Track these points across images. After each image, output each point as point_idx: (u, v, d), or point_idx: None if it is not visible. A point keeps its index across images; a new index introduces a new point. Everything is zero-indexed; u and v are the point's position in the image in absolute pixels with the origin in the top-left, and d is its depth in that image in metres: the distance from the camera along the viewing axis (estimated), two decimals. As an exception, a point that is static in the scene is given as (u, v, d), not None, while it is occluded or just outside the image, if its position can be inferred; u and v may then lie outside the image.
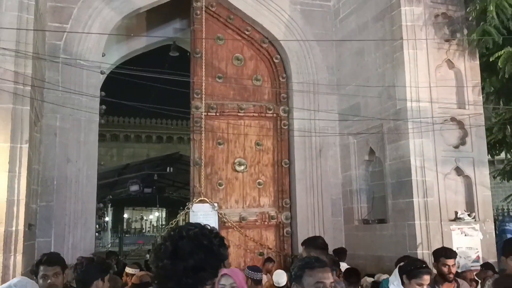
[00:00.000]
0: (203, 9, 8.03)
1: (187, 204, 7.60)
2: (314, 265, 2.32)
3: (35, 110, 5.80)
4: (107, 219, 32.07)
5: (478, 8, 6.81)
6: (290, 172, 8.30)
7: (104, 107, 7.60)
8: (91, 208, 6.99)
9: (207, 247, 1.52)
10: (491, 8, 6.56)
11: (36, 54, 5.55)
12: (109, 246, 20.77)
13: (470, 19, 7.16)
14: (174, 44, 10.01)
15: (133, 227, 42.42)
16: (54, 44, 6.97)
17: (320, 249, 3.34)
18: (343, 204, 8.25)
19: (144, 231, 40.89)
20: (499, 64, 6.76)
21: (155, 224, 41.29)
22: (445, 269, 4.22)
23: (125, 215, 38.96)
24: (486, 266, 6.00)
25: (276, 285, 4.69)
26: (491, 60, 6.75)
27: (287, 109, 8.42)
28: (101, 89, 7.83)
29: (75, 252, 6.37)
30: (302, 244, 3.60)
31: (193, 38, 8.09)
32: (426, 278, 3.40)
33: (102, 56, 7.56)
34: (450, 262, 4.27)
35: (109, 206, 25.52)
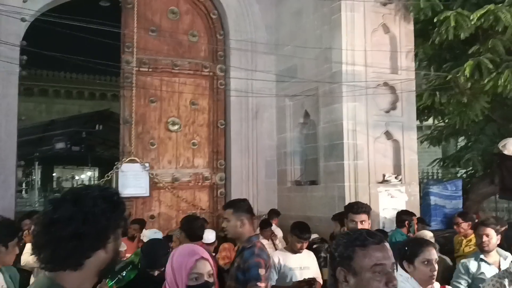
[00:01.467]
0: (136, -45, 7.50)
1: (116, 163, 7.30)
2: (367, 242, 1.65)
3: None
4: (34, 177, 30.66)
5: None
6: (226, 133, 8.18)
7: (25, 57, 7.02)
8: (11, 166, 6.54)
9: (90, 213, 1.35)
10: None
11: None
12: (36, 206, 19.90)
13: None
14: (105, -6, 9.38)
15: (64, 186, 40.99)
16: (-34, -15, 6.27)
17: (250, 213, 3.25)
18: (277, 166, 8.28)
19: (76, 190, 39.60)
20: (441, 27, 6.75)
21: (87, 184, 40.10)
22: (353, 226, 3.54)
23: (55, 174, 37.40)
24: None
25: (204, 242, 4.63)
26: (435, 20, 6.79)
27: (224, 68, 8.20)
28: (24, 39, 7.20)
29: (-8, 212, 5.94)
30: (228, 207, 3.34)
31: (125, -13, 7.58)
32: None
33: (23, 1, 6.91)
34: (357, 218, 3.57)
35: (37, 164, 24.26)
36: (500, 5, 6.22)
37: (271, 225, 6.44)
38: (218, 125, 8.13)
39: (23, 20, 6.83)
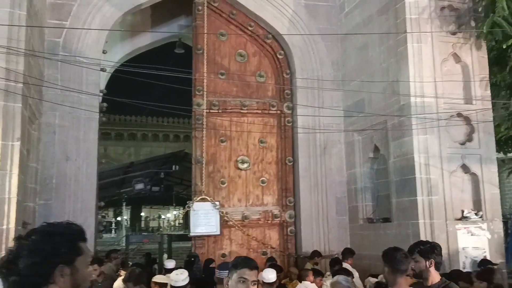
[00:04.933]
0: (205, 4, 7.93)
1: (187, 202, 7.52)
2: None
3: (31, 107, 5.78)
4: (125, 217, 32.33)
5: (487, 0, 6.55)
6: (294, 170, 8.16)
7: (105, 104, 7.58)
8: (91, 207, 6.96)
9: (29, 250, 1.43)
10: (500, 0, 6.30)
11: (30, 51, 5.52)
12: (123, 244, 20.90)
13: (478, 10, 6.90)
14: (179, 41, 9.95)
15: (150, 225, 42.74)
16: (53, 42, 6.97)
17: None
18: (348, 202, 8.07)
19: (161, 229, 41.17)
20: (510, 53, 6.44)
21: (172, 223, 41.51)
22: None
23: (143, 214, 39.20)
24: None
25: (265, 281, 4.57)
26: (504, 46, 6.45)
27: (291, 105, 8.27)
28: (106, 88, 7.76)
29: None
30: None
31: (195, 33, 8.01)
32: None
33: (103, 53, 7.53)
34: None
35: (124, 204, 25.63)
36: None
37: (341, 264, 6.24)
38: (286, 162, 8.14)
39: (102, 70, 7.41)
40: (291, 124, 8.24)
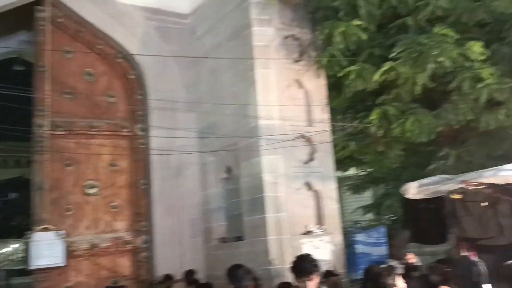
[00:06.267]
0: (47, 20, 7.41)
1: (24, 233, 6.83)
2: None
3: None
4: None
5: (325, 33, 7.20)
6: (148, 193, 7.94)
7: None
8: None
9: None
10: (337, 33, 6.99)
11: None
12: None
13: (317, 42, 7.55)
14: (19, 57, 9.14)
15: (-19, 261, 37.75)
16: None
17: None
18: (203, 223, 8.09)
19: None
20: (347, 81, 7.15)
21: (14, 258, 37.22)
22: None
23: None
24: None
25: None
26: (340, 75, 7.16)
27: (144, 127, 8.09)
28: None
29: None
30: None
31: (37, 50, 7.43)
32: None
33: None
34: None
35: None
36: (397, 61, 6.64)
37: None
38: (139, 185, 7.90)
39: None
40: (144, 146, 8.04)
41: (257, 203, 6.82)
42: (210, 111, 7.92)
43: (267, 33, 7.22)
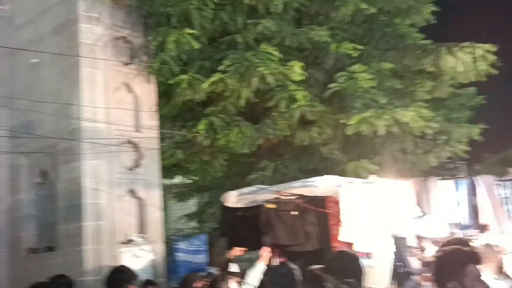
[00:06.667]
0: None
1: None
2: None
3: None
4: None
5: (158, 39, 7.14)
6: None
7: None
8: None
9: None
10: (170, 41, 6.99)
11: None
12: None
13: (149, 47, 7.45)
14: None
15: None
16: None
17: None
18: (10, 233, 7.29)
19: None
20: (178, 89, 7.19)
21: None
22: None
23: None
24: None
25: None
26: (171, 83, 7.16)
27: None
28: None
29: None
30: None
31: None
32: None
33: None
34: None
35: None
36: (226, 74, 6.95)
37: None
38: None
39: None
40: None
41: (75, 211, 6.40)
42: (27, 108, 7.20)
43: (95, 31, 6.88)
